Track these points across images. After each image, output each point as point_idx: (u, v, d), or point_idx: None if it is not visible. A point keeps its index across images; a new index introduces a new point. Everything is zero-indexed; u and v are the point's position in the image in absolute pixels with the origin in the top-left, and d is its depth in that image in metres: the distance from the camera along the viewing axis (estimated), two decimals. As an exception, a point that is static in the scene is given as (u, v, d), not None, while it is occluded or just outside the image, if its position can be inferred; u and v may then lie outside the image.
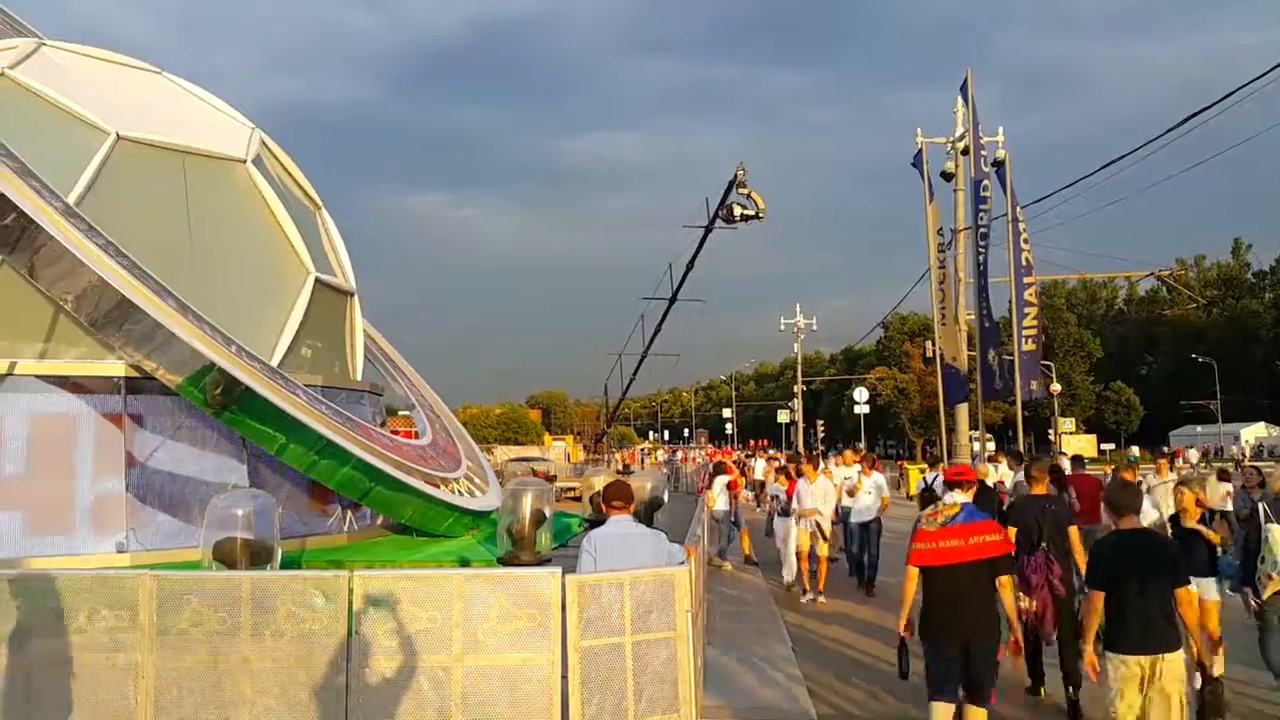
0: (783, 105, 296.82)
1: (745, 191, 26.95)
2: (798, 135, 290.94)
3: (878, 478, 14.42)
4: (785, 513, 14.29)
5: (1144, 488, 14.08)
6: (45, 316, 12.75)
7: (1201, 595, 7.43)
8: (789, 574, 13.90)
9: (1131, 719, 5.36)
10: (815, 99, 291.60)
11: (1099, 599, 5.56)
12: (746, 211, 27.24)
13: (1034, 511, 7.93)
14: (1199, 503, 8.14)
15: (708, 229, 28.95)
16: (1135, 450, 48.34)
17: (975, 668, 6.02)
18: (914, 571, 6.28)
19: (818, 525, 13.11)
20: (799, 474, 14.16)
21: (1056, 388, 57.41)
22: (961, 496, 6.42)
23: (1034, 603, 7.61)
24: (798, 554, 13.42)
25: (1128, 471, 7.28)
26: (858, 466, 14.77)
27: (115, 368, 12.63)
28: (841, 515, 14.25)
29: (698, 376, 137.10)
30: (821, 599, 12.91)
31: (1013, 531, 7.69)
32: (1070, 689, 7.46)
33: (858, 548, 14.04)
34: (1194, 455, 53.82)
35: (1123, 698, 5.35)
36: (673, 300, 32.11)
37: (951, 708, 6.10)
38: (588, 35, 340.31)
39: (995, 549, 6.13)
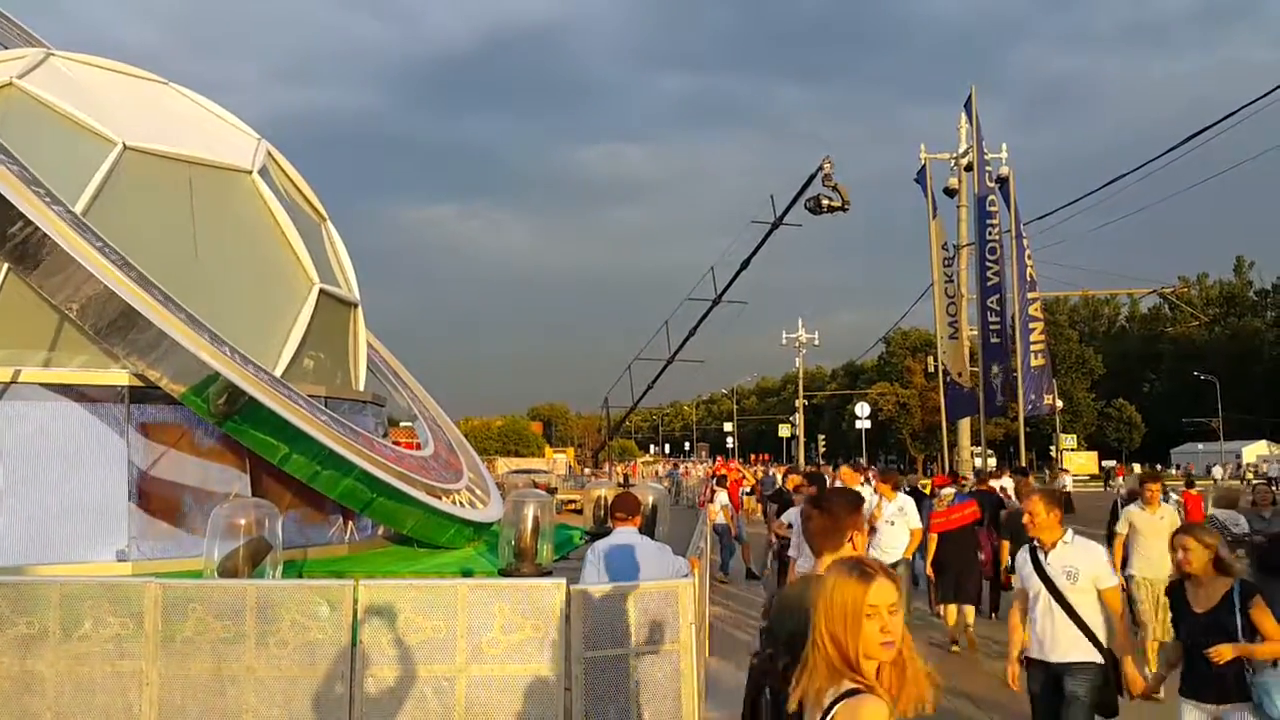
0: (793, 119, 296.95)
1: (832, 184, 27.38)
2: (807, 149, 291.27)
3: (903, 502, 10.42)
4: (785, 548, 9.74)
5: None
6: (50, 325, 12.77)
7: None
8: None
9: None
10: (825, 113, 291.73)
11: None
12: (833, 204, 27.65)
13: (983, 500, 12.08)
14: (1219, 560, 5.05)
15: (775, 224, 29.41)
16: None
17: (963, 585, 10.37)
18: (935, 537, 10.54)
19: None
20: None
21: (1059, 404, 57.28)
22: (951, 489, 12.02)
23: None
24: None
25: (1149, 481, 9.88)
26: (868, 488, 11.32)
27: (119, 376, 12.64)
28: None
29: (699, 390, 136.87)
30: None
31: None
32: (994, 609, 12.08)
33: None
34: (1218, 472, 51.94)
35: None
36: (716, 300, 31.93)
37: (955, 606, 10.40)
38: (597, 48, 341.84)
39: (971, 518, 10.95)
